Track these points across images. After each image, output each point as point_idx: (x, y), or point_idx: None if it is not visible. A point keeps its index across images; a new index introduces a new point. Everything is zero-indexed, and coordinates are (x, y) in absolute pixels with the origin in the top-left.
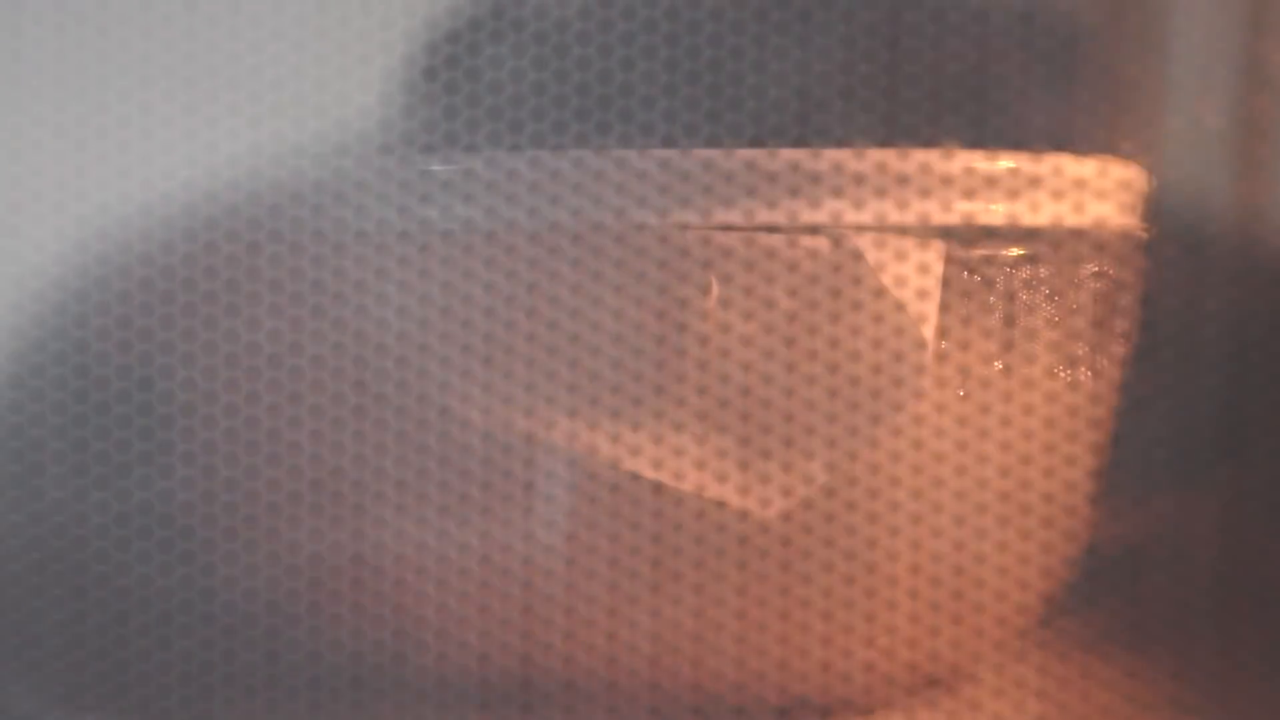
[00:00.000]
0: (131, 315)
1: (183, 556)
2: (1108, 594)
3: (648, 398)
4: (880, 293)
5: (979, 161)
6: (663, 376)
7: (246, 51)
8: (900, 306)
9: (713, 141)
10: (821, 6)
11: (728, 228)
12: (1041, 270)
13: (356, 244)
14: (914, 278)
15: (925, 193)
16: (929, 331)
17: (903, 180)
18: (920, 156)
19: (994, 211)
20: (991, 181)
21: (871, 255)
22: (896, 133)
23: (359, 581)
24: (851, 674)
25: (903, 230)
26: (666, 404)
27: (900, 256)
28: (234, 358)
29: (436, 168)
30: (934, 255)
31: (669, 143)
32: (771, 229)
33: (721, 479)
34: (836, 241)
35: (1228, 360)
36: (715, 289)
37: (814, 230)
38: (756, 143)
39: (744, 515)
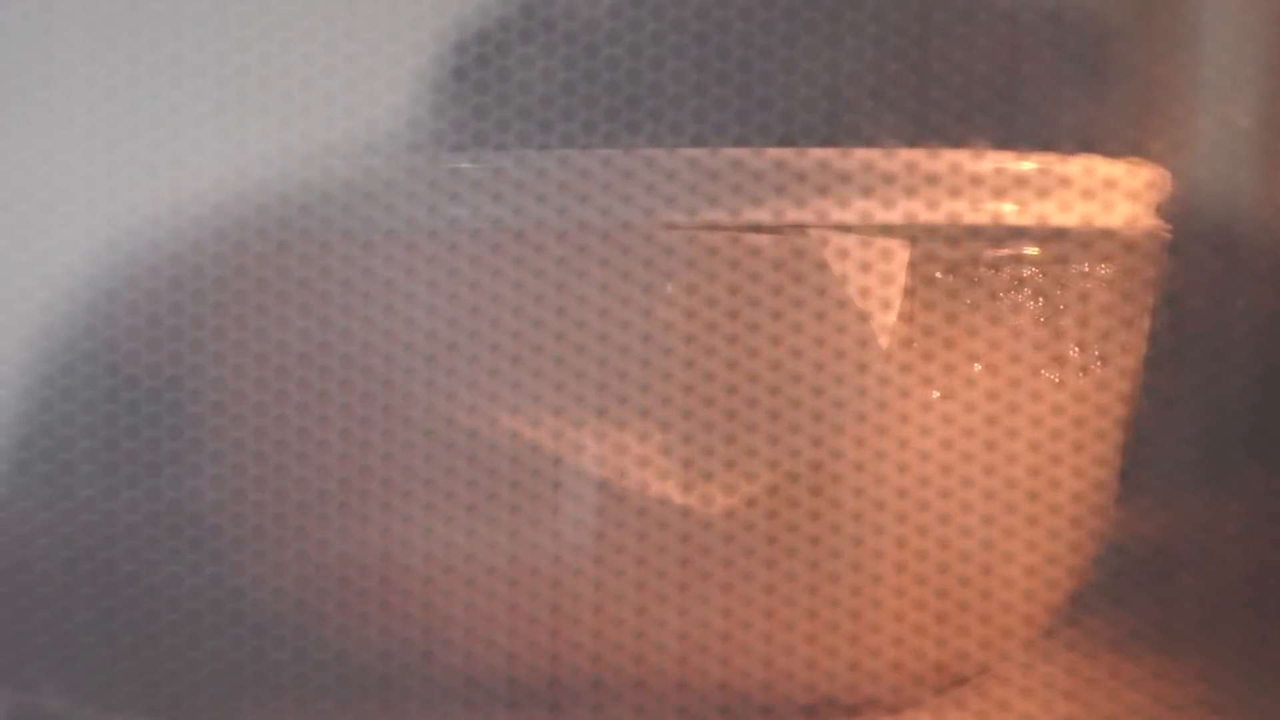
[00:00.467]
0: (161, 314)
1: (212, 555)
2: (1133, 594)
3: (677, 397)
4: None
5: (1007, 162)
6: (693, 378)
7: (276, 52)
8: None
9: (740, 141)
10: (849, 6)
11: (757, 228)
12: (1066, 269)
13: (385, 243)
14: (892, 277)
15: (955, 192)
16: (885, 331)
17: (932, 180)
18: (950, 156)
19: (1020, 211)
20: (1020, 181)
21: (899, 254)
22: (925, 133)
23: (386, 580)
24: (877, 672)
25: (933, 230)
26: (695, 404)
27: (930, 255)
28: (263, 357)
29: (465, 166)
30: (920, 255)
31: (697, 142)
32: (800, 227)
33: (662, 477)
34: (864, 243)
35: (1253, 360)
36: (670, 289)
37: (846, 229)
38: (786, 141)
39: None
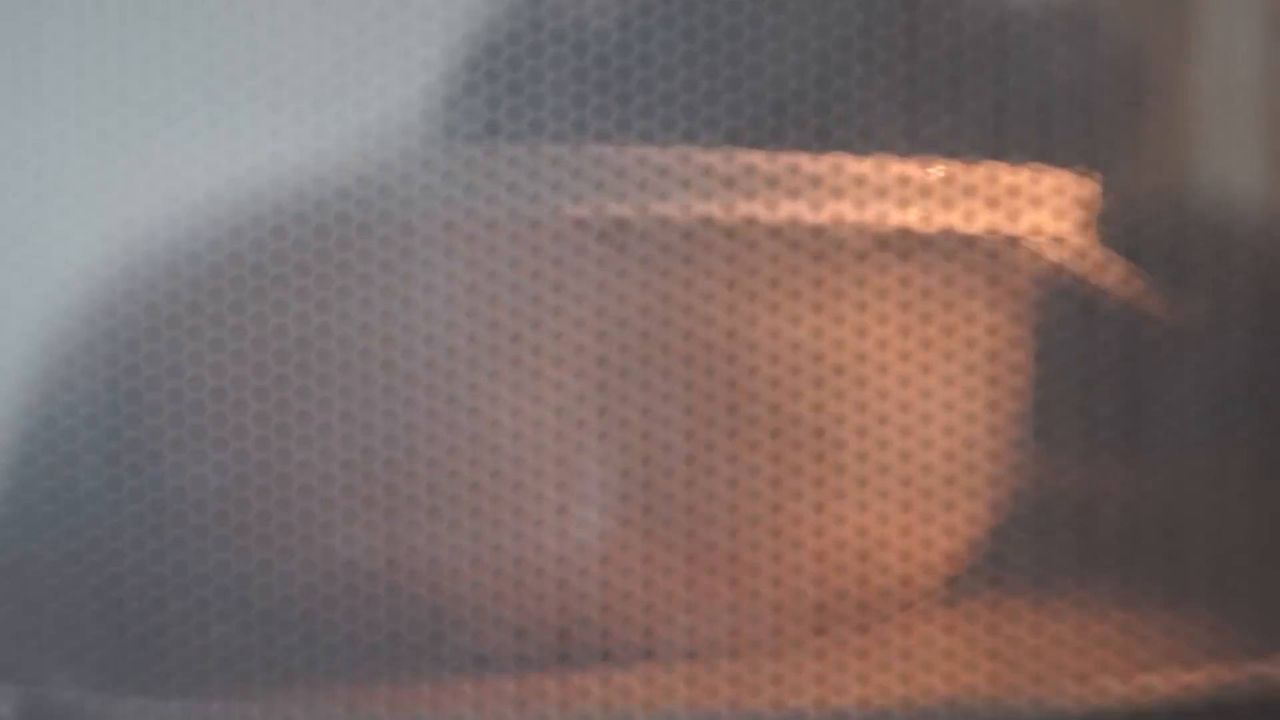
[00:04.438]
0: (160, 303)
1: (217, 542)
2: (1056, 530)
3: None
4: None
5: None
6: (709, 375)
7: (286, 48)
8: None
9: (733, 122)
10: None
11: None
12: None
13: (398, 234)
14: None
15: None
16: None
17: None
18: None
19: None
20: (970, 190)
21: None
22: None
23: (394, 564)
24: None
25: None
26: (716, 388)
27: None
28: (262, 342)
29: (480, 156)
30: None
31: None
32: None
33: None
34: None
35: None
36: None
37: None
38: (775, 128)
39: None
